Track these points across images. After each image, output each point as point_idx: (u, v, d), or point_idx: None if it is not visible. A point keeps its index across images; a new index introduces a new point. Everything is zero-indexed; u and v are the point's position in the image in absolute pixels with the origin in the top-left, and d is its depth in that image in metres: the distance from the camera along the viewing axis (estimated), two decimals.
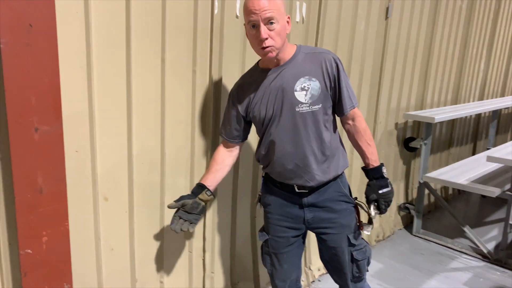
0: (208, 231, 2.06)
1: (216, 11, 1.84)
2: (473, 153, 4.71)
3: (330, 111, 1.63)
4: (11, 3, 1.20)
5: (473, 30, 4.02)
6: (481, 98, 4.61)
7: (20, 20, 1.23)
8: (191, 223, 1.64)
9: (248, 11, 1.48)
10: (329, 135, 1.63)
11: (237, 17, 1.93)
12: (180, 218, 1.64)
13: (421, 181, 3.34)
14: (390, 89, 3.14)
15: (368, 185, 1.71)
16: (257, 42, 1.50)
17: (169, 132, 1.80)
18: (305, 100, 1.57)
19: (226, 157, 1.76)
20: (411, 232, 3.45)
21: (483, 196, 4.28)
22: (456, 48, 3.86)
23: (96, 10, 1.48)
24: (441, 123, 3.92)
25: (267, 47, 1.49)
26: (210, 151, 1.97)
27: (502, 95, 5.12)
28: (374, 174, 1.68)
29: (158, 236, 1.87)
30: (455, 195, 4.41)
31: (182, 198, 1.67)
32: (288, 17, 1.56)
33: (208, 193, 1.69)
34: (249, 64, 2.03)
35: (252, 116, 1.66)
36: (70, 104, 1.46)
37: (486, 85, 4.62)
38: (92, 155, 1.56)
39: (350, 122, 1.68)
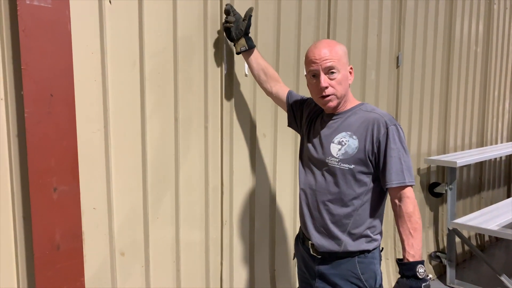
0: (225, 286, 2.06)
1: (225, 72, 1.96)
2: (508, 196, 4.51)
3: (366, 179, 1.51)
4: (34, 76, 1.35)
5: (492, 72, 4.01)
6: (510, 139, 4.49)
7: (42, 91, 1.37)
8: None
9: (308, 61, 1.51)
10: (359, 202, 1.51)
11: (246, 75, 2.05)
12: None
13: (450, 228, 3.22)
14: (408, 135, 3.14)
15: (397, 282, 1.47)
16: (317, 91, 1.52)
17: (183, 186, 1.87)
18: (336, 154, 1.51)
19: (275, 77, 1.90)
20: (445, 283, 3.28)
21: None
22: (476, 91, 3.84)
23: (112, 77, 1.61)
24: (468, 166, 3.82)
25: (327, 96, 1.50)
26: (224, 204, 2.02)
27: None
28: (405, 271, 1.43)
29: None
30: (493, 242, 4.18)
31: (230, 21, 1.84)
32: (351, 68, 1.56)
33: (248, 43, 1.84)
34: (260, 116, 2.12)
35: (302, 136, 1.73)
36: (88, 164, 1.56)
37: None
38: (109, 211, 1.64)
39: (396, 201, 1.47)
